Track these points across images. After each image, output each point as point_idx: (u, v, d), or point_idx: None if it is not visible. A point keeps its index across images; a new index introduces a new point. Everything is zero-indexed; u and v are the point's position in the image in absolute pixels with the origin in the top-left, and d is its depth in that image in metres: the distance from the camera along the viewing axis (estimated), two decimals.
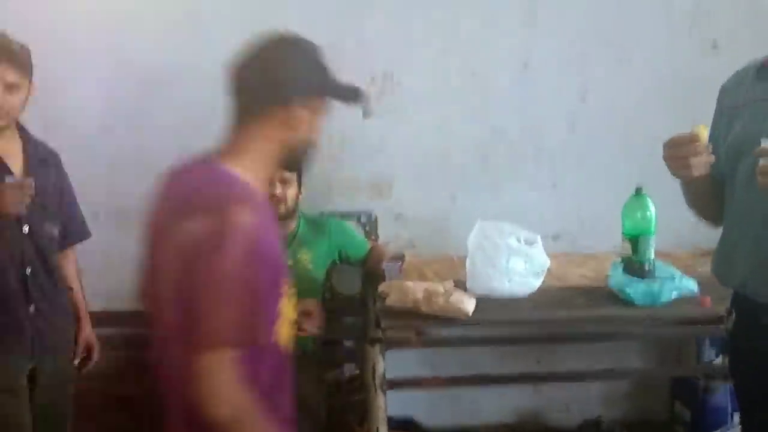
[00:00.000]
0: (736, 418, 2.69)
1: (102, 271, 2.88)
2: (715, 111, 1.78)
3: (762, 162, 1.41)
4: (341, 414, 2.76)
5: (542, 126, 2.96)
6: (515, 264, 2.37)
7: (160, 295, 1.36)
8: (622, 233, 2.45)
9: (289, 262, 2.63)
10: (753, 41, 2.86)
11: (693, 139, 1.56)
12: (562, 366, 3.04)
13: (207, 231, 1.26)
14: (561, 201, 3.00)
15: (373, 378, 2.31)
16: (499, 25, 2.89)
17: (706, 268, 2.69)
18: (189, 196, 1.35)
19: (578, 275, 2.65)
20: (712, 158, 1.58)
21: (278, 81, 1.39)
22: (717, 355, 2.97)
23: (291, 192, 2.63)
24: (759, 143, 1.45)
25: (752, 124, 1.60)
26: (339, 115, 2.94)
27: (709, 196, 1.76)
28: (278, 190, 2.60)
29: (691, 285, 2.40)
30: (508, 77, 2.88)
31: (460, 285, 2.36)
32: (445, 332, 2.48)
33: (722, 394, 2.89)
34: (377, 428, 2.32)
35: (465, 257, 2.34)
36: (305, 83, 1.43)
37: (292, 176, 2.63)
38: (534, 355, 3.09)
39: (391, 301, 2.33)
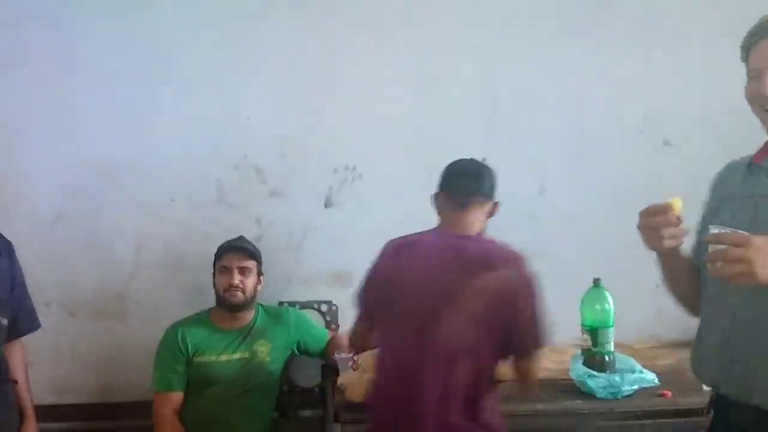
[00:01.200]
0: None
1: (51, 363, 2.80)
2: (707, 199, 1.76)
3: (710, 249, 1.38)
4: None
5: (501, 219, 2.99)
6: None
7: (451, 324, 1.87)
8: (582, 325, 2.47)
9: (246, 354, 2.58)
10: (703, 138, 2.99)
11: (666, 208, 1.54)
12: None
13: (521, 277, 1.90)
14: None
15: None
16: (459, 121, 2.96)
17: (665, 360, 2.71)
18: (481, 256, 1.92)
19: (539, 367, 2.63)
20: (685, 231, 1.56)
21: (492, 185, 2.10)
22: None
23: (250, 281, 2.60)
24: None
25: (736, 218, 1.58)
26: (300, 207, 3.00)
27: (686, 281, 1.72)
28: (236, 280, 2.57)
29: (651, 377, 2.41)
30: None
31: None
32: None
33: None
34: None
35: None
36: (495, 189, 2.13)
37: (251, 265, 2.61)
38: None
39: (350, 394, 2.29)
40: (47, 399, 2.62)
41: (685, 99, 3.03)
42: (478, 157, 2.24)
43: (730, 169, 1.76)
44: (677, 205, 1.55)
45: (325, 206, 2.96)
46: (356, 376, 2.34)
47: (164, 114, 2.87)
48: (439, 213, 2.13)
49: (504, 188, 2.21)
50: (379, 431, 2.00)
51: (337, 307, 2.95)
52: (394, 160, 2.95)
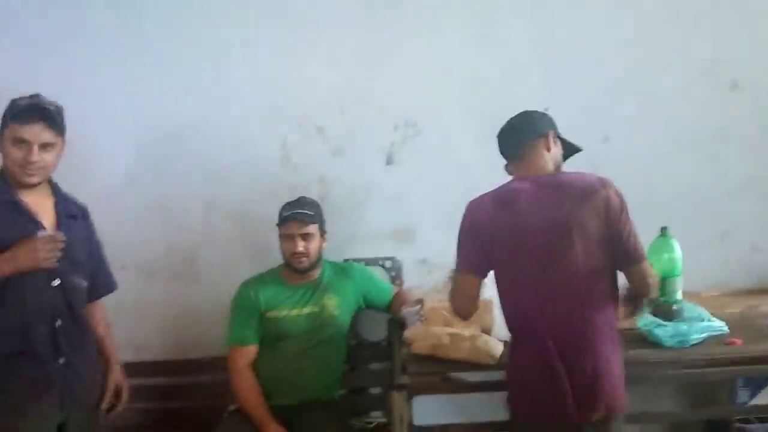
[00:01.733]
0: None
1: (130, 323, 2.91)
2: None
3: None
4: None
5: (566, 168, 2.96)
6: None
7: (572, 240, 2.00)
8: None
9: (315, 308, 2.65)
10: None
11: None
12: None
13: (618, 194, 2.05)
14: None
15: (401, 425, 2.29)
16: (520, 73, 2.93)
17: (734, 308, 2.67)
18: (579, 184, 2.07)
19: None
20: None
21: (532, 123, 2.18)
22: (751, 397, 2.90)
23: (314, 245, 2.64)
24: None
25: None
26: (363, 164, 3.02)
27: None
28: (300, 247, 2.61)
29: (719, 325, 2.38)
30: None
31: (486, 330, 2.35)
32: (472, 377, 2.46)
33: None
34: None
35: (491, 301, 2.33)
36: (539, 125, 2.20)
37: (313, 230, 2.64)
38: None
39: (416, 347, 2.33)
40: (127, 356, 2.73)
41: (755, 39, 2.91)
42: (541, 109, 2.23)
43: None
44: None
45: (387, 163, 2.98)
46: (422, 329, 2.37)
47: (229, 77, 2.92)
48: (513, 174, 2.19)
49: (566, 135, 2.20)
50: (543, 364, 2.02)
51: (401, 263, 2.99)
52: (454, 114, 2.94)
